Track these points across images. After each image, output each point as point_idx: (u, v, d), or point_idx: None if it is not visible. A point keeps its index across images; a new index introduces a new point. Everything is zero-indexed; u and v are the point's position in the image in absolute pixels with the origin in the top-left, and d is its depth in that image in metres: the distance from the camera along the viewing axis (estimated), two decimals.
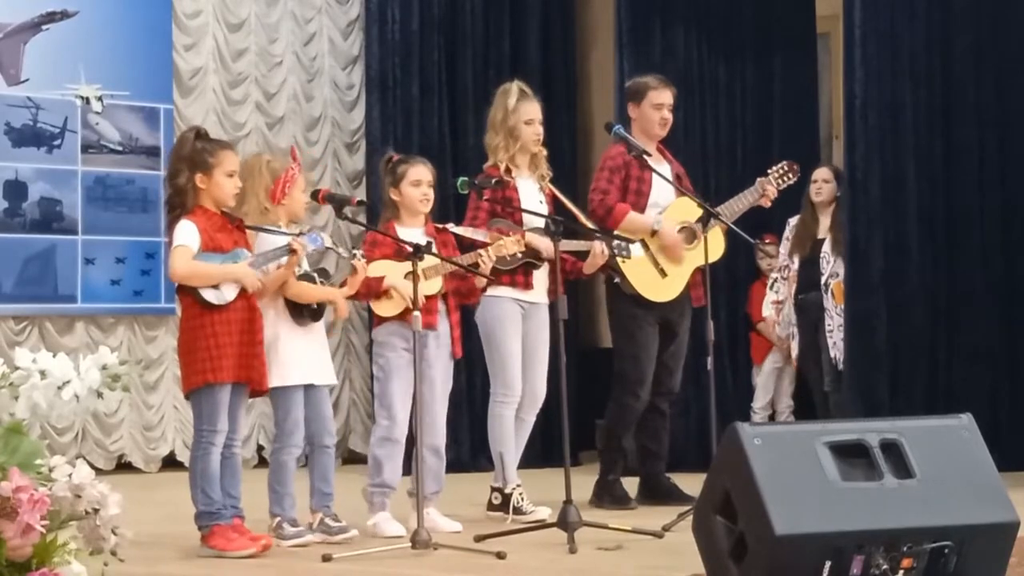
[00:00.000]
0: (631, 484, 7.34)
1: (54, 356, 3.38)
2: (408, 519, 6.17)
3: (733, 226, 6.94)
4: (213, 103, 9.87)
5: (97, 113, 9.42)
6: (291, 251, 5.89)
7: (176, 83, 9.73)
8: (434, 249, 6.25)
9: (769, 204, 7.30)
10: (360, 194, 9.91)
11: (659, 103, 7.30)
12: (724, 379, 9.32)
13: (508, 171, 6.80)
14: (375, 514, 6.31)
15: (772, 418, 9.47)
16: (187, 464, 5.97)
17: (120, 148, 9.51)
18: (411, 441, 6.40)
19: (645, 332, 7.22)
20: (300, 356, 6.05)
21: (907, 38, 8.45)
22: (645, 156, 7.01)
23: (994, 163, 8.43)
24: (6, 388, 3.32)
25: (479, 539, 5.77)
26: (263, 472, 6.28)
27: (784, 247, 9.08)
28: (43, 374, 3.34)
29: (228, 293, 5.74)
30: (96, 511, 3.16)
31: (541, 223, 6.63)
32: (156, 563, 5.48)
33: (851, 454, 4.10)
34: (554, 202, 6.93)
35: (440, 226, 6.51)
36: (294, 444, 6.04)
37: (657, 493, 7.28)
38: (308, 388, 6.08)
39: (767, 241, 8.88)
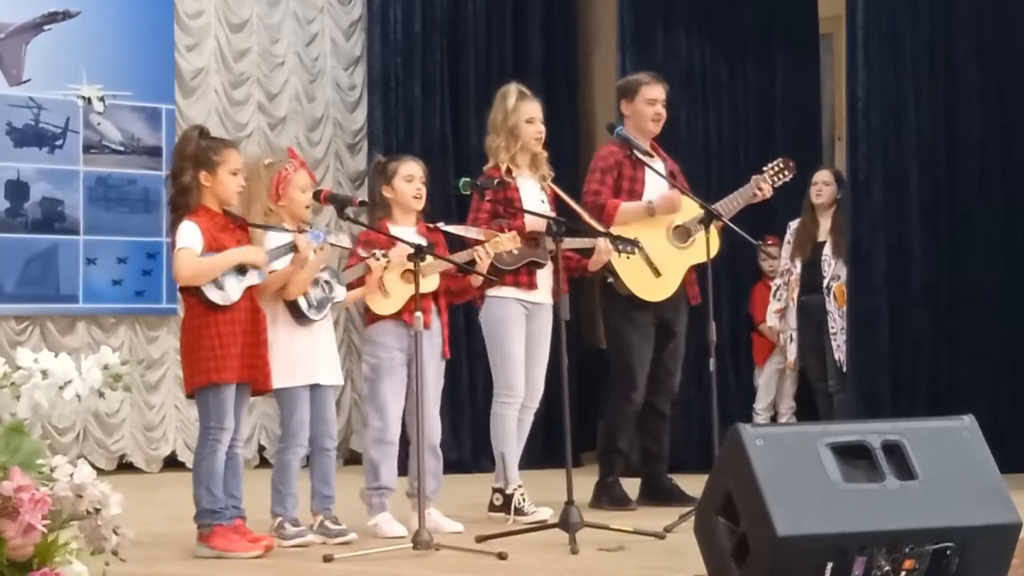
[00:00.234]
0: (632, 485, 7.33)
1: (56, 356, 3.38)
2: (409, 520, 6.17)
3: (735, 228, 6.93)
4: (215, 103, 9.87)
5: (99, 113, 9.42)
6: (294, 248, 5.88)
7: (178, 83, 9.73)
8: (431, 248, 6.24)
9: (767, 199, 7.27)
10: (362, 195, 9.89)
11: (652, 98, 7.30)
12: (726, 380, 9.31)
13: (509, 172, 6.80)
14: (375, 515, 6.31)
15: (774, 419, 9.46)
16: (189, 464, 5.97)
17: (122, 148, 9.51)
18: (403, 441, 6.41)
19: (638, 334, 7.20)
20: (305, 356, 6.04)
21: (910, 39, 8.45)
22: (646, 158, 7.01)
23: (996, 164, 8.42)
24: (8, 388, 3.32)
25: (480, 540, 5.76)
26: (264, 472, 6.28)
27: (785, 251, 9.08)
28: (45, 374, 3.34)
29: (233, 293, 5.72)
30: (97, 511, 3.16)
31: (543, 224, 6.63)
32: (157, 563, 5.48)
33: (853, 455, 4.10)
34: (556, 201, 6.93)
35: (431, 225, 6.51)
36: (298, 444, 6.04)
37: (659, 494, 7.27)
38: (313, 388, 6.08)
39: (769, 243, 8.88)
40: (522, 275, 6.76)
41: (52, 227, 9.24)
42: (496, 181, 6.62)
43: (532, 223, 6.67)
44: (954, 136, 8.44)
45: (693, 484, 6.58)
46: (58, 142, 9.30)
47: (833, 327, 8.74)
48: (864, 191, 8.46)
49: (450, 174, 9.56)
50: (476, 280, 6.48)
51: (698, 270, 7.17)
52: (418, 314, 5.79)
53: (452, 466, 8.07)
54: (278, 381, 5.99)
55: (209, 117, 9.61)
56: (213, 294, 5.71)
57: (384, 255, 6.17)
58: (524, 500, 6.71)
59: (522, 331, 6.80)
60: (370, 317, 6.43)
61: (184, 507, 5.83)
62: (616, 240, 6.66)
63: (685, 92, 9.62)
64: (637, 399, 7.24)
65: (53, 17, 9.26)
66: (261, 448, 9.85)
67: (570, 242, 6.62)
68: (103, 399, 3.41)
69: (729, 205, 7.14)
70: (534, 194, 6.83)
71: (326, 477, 6.11)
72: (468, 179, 6.44)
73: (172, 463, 9.48)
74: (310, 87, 10.32)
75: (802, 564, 3.93)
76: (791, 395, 9.56)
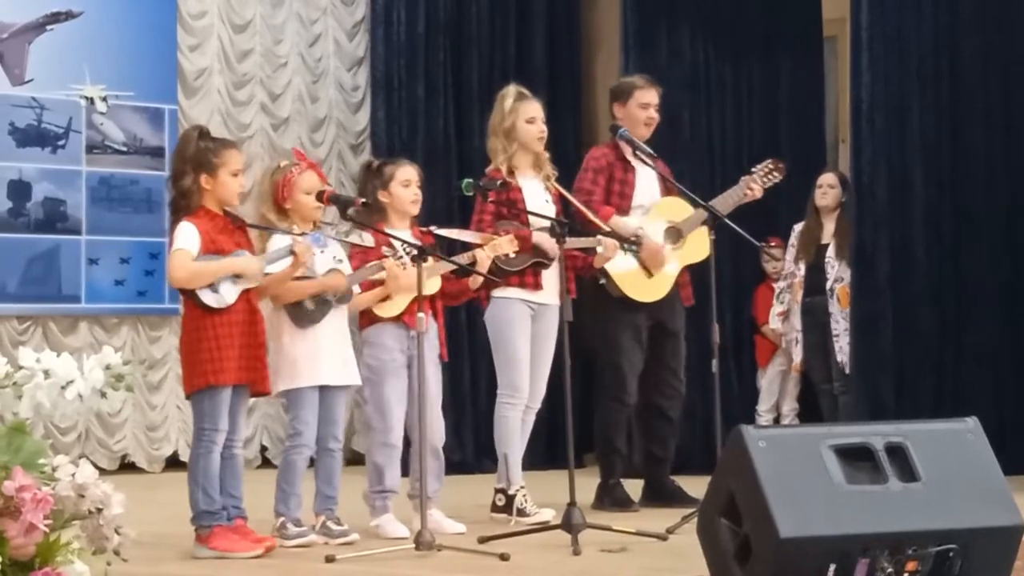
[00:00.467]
0: (635, 486, 7.33)
1: (58, 356, 3.38)
2: (411, 520, 6.16)
3: (739, 229, 6.92)
4: (218, 104, 9.87)
5: (101, 113, 9.43)
6: (292, 253, 5.86)
7: (181, 84, 9.73)
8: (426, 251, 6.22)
9: (757, 199, 7.25)
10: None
11: (645, 102, 7.30)
12: (729, 382, 9.30)
13: (511, 173, 6.80)
14: (378, 516, 6.30)
15: (777, 421, 9.46)
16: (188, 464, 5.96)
17: (124, 148, 9.51)
18: (405, 441, 6.40)
19: (628, 336, 7.19)
20: (309, 357, 6.03)
21: (914, 41, 8.44)
22: (651, 158, 7.01)
23: (1001, 166, 8.42)
24: (10, 388, 3.32)
25: (483, 540, 5.76)
26: (266, 473, 6.29)
27: (789, 254, 9.08)
28: (47, 374, 3.34)
29: (228, 296, 5.71)
30: (99, 511, 3.15)
31: (546, 224, 6.62)
32: (159, 563, 5.48)
33: (856, 457, 4.09)
34: (561, 201, 6.92)
35: (424, 229, 6.50)
36: (303, 444, 6.04)
37: (661, 495, 7.27)
38: (322, 389, 6.07)
39: (772, 244, 8.88)
40: (527, 276, 6.76)
41: (54, 227, 9.25)
42: (499, 182, 6.62)
43: (536, 225, 6.66)
44: (958, 138, 8.43)
45: (696, 485, 6.58)
46: (61, 142, 9.30)
47: (836, 329, 8.74)
48: (868, 193, 8.45)
49: (453, 175, 9.56)
50: (474, 282, 6.47)
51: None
52: (420, 315, 5.79)
53: (454, 467, 8.08)
54: (283, 383, 6.01)
55: (212, 118, 9.62)
56: (208, 297, 5.69)
57: (401, 255, 6.15)
58: (526, 501, 6.71)
59: (527, 332, 6.79)
60: (368, 319, 6.40)
61: (186, 507, 5.83)
62: (621, 238, 6.66)
63: (689, 94, 9.62)
64: (629, 401, 7.24)
65: (56, 17, 9.27)
66: (263, 448, 9.85)
67: (573, 242, 6.61)
68: (105, 399, 3.40)
69: (719, 205, 7.13)
70: (538, 195, 6.82)
71: (330, 478, 6.11)
72: (471, 180, 6.43)
73: (174, 463, 9.48)
74: (313, 88, 10.32)
75: (805, 566, 3.92)
76: (794, 397, 9.55)
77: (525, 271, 6.74)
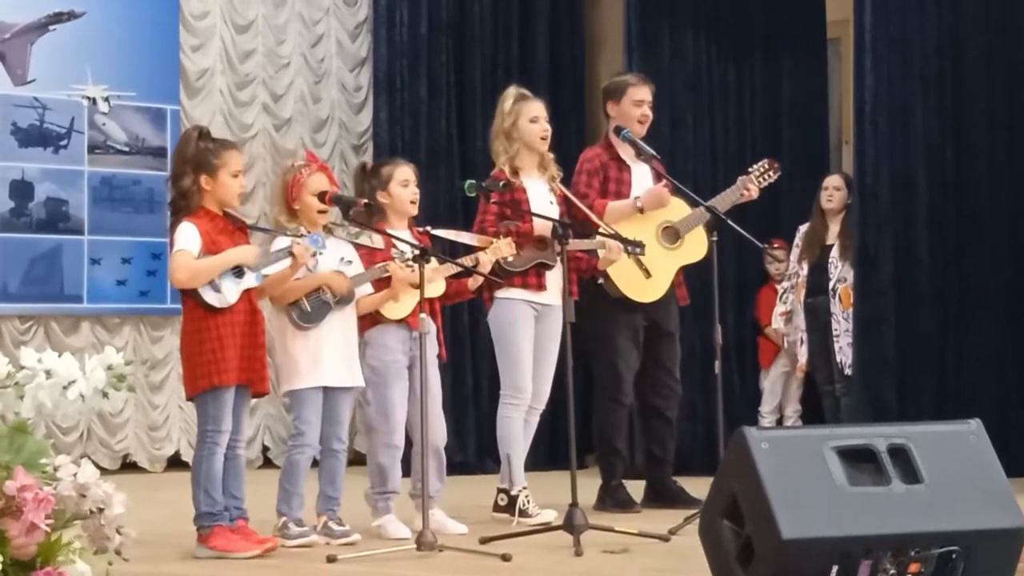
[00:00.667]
0: (637, 487, 7.32)
1: (60, 356, 3.37)
2: (413, 521, 6.16)
3: (742, 231, 6.90)
4: (220, 104, 9.87)
5: (104, 113, 9.43)
6: (291, 253, 5.85)
7: (183, 84, 9.73)
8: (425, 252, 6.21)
9: (754, 198, 7.25)
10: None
11: (639, 100, 7.28)
12: (731, 383, 9.30)
13: (515, 174, 6.79)
14: (380, 517, 6.30)
15: (779, 422, 9.45)
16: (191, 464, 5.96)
17: (126, 149, 9.51)
18: (406, 442, 6.40)
19: (625, 336, 7.18)
20: (311, 358, 6.03)
21: (918, 42, 8.44)
22: (655, 160, 7.01)
23: (1004, 167, 8.41)
24: (12, 387, 3.32)
25: (484, 541, 5.76)
26: (268, 473, 6.29)
27: (794, 254, 9.07)
28: (48, 374, 3.33)
29: (230, 295, 5.70)
30: (101, 510, 3.15)
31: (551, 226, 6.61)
32: (160, 563, 5.48)
33: (859, 459, 4.08)
34: (565, 202, 6.91)
35: (421, 230, 6.49)
36: (306, 444, 6.04)
37: (663, 496, 7.27)
38: (327, 390, 6.07)
39: (775, 246, 8.87)
40: (531, 276, 6.76)
41: (56, 227, 9.25)
42: (502, 183, 6.61)
43: (540, 225, 6.65)
44: (962, 139, 8.43)
45: (698, 487, 6.58)
46: (63, 142, 9.30)
47: (837, 329, 8.73)
48: (871, 194, 8.44)
49: (455, 176, 9.56)
50: (474, 283, 6.47)
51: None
52: (424, 316, 5.79)
53: (456, 467, 8.08)
54: (286, 383, 6.01)
55: (214, 118, 9.62)
56: (210, 297, 5.68)
57: (408, 257, 6.14)
58: (528, 502, 6.70)
59: (531, 333, 6.79)
60: (370, 320, 6.39)
61: (187, 507, 5.83)
62: (625, 241, 6.66)
63: (692, 95, 9.62)
64: (626, 401, 7.24)
65: (58, 17, 9.27)
66: (265, 449, 9.85)
67: (576, 243, 6.60)
68: (107, 399, 3.40)
69: (717, 206, 7.12)
70: (542, 195, 6.82)
71: (333, 479, 6.11)
72: (473, 181, 6.43)
73: (176, 463, 9.48)
74: (315, 88, 10.32)
75: (807, 567, 3.92)
76: (797, 398, 9.54)
77: (528, 272, 6.73)
